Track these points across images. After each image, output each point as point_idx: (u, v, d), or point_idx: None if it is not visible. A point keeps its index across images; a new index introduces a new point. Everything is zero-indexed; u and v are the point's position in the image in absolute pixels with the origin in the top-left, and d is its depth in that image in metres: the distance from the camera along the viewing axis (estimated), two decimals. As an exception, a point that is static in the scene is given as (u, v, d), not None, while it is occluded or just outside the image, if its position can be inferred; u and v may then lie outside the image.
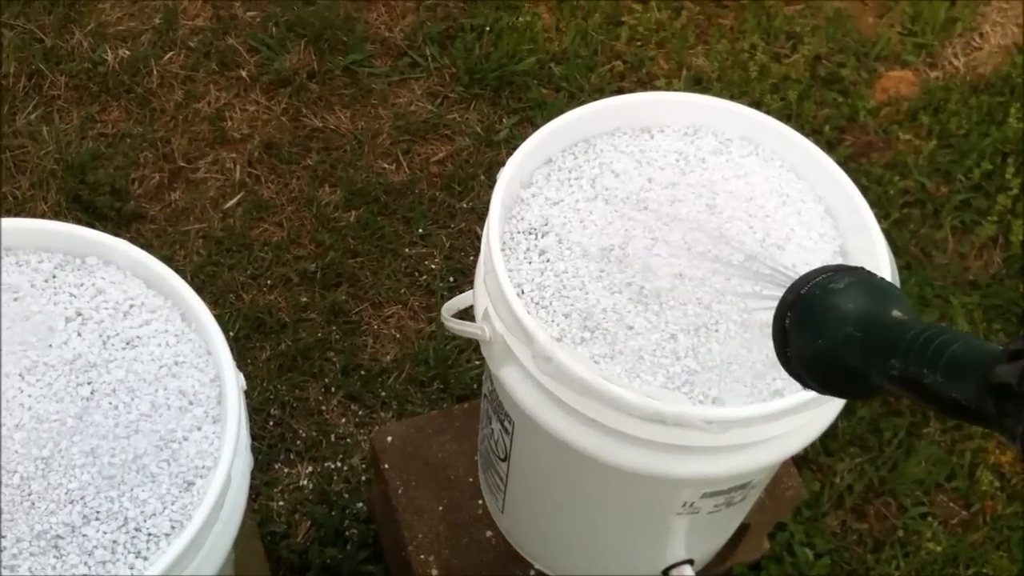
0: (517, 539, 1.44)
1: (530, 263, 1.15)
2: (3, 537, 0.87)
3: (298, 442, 1.78)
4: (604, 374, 1.04)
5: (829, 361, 0.74)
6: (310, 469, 1.75)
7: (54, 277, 1.04)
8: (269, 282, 1.93)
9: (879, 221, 1.17)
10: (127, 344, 1.00)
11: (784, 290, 0.78)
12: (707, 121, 1.28)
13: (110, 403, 0.96)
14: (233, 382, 0.99)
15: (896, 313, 0.72)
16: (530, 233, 1.17)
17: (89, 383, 0.96)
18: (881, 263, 1.12)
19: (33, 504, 0.89)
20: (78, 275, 1.04)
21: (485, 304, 1.14)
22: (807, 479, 1.76)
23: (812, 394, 1.03)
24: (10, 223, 1.04)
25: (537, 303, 1.12)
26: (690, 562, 1.36)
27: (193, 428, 0.97)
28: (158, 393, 0.98)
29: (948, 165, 2.19)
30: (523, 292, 1.12)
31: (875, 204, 1.44)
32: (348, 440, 1.80)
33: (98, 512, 0.90)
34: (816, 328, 0.74)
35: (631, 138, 1.27)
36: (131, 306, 1.03)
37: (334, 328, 1.90)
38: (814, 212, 1.22)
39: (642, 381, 1.07)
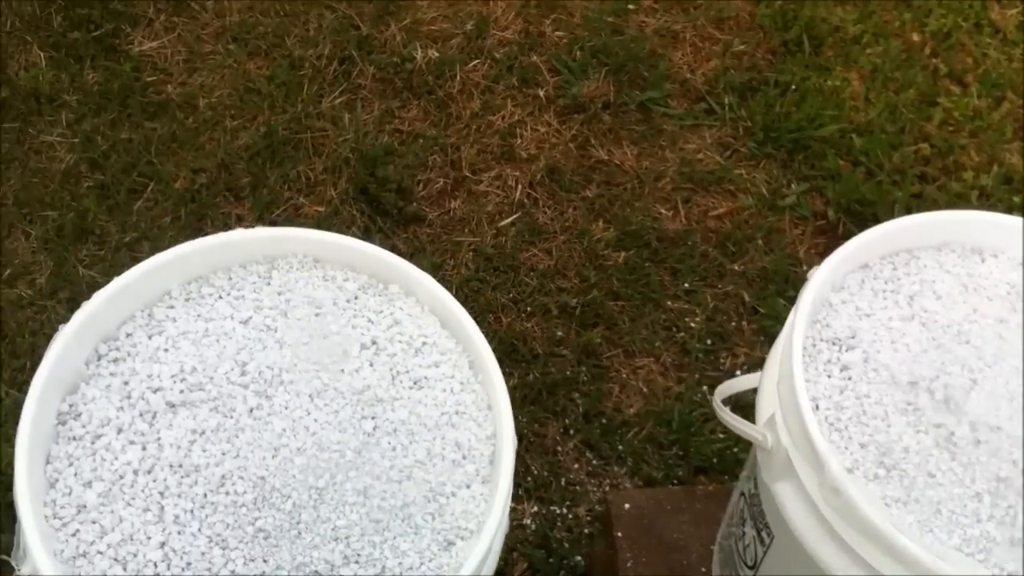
0: (743, 645, 1.36)
1: (829, 377, 1.07)
2: (265, 562, 0.88)
3: (529, 478, 1.75)
4: (895, 522, 0.96)
5: None
6: (535, 509, 1.73)
7: (356, 298, 1.04)
8: (529, 309, 1.92)
9: None
10: (415, 384, 0.99)
11: None
12: (1050, 255, 1.16)
13: (389, 443, 0.95)
14: (510, 444, 0.96)
15: None
16: (834, 343, 1.10)
17: (373, 418, 0.96)
18: None
19: (300, 534, 0.89)
20: (379, 301, 1.04)
21: (773, 410, 1.07)
22: None
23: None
24: (325, 236, 1.06)
25: (832, 424, 1.04)
26: None
27: (463, 485, 0.95)
28: (435, 441, 0.96)
29: None
30: (818, 407, 1.05)
31: None
32: (577, 488, 1.76)
33: (359, 555, 0.89)
34: None
35: (960, 258, 1.17)
36: (424, 343, 1.02)
37: (583, 369, 1.86)
38: None
39: (934, 537, 0.97)
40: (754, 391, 1.16)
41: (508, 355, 1.87)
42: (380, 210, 1.99)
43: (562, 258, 1.98)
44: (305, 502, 0.90)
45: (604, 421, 1.82)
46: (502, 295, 1.92)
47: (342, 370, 0.98)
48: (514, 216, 2.02)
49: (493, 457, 0.97)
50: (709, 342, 1.91)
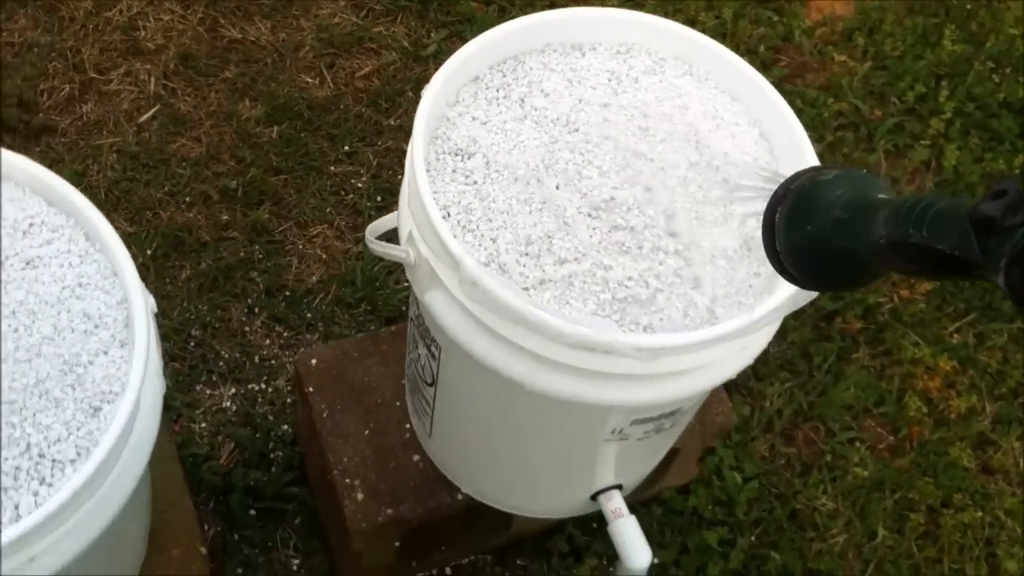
0: (445, 463, 1.42)
1: (456, 185, 1.11)
2: None
3: (220, 363, 1.73)
4: (532, 300, 1.01)
5: (818, 247, 0.76)
6: (233, 391, 1.71)
7: (-56, 193, 0.97)
8: (188, 199, 1.86)
9: (813, 145, 1.14)
10: (27, 264, 0.95)
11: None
12: (641, 39, 1.24)
13: (9, 326, 0.91)
14: (141, 304, 0.94)
15: (882, 195, 0.75)
16: (456, 154, 1.13)
17: (-13, 305, 0.91)
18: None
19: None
20: (-30, 193, 0.98)
21: (410, 227, 1.10)
22: (737, 404, 1.75)
23: (744, 322, 1.02)
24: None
25: (464, 226, 1.08)
26: (619, 487, 1.36)
27: (99, 352, 0.93)
28: (61, 316, 0.93)
29: (882, 87, 2.18)
30: (449, 215, 1.09)
31: (809, 127, 1.42)
32: (273, 362, 1.76)
33: (-3, 441, 0.85)
34: (806, 216, 0.76)
35: (561, 56, 1.23)
36: (31, 224, 0.97)
37: (257, 248, 1.84)
38: (748, 135, 1.19)
39: (572, 308, 1.04)
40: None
41: (175, 248, 1.81)
42: (4, 127, 1.85)
43: (213, 143, 1.92)
44: (-76, 402, 0.85)
45: (288, 294, 1.81)
46: (156, 191, 1.86)
47: (-57, 264, 0.92)
48: (153, 110, 1.94)
49: (128, 320, 0.95)
50: (379, 198, 1.93)
